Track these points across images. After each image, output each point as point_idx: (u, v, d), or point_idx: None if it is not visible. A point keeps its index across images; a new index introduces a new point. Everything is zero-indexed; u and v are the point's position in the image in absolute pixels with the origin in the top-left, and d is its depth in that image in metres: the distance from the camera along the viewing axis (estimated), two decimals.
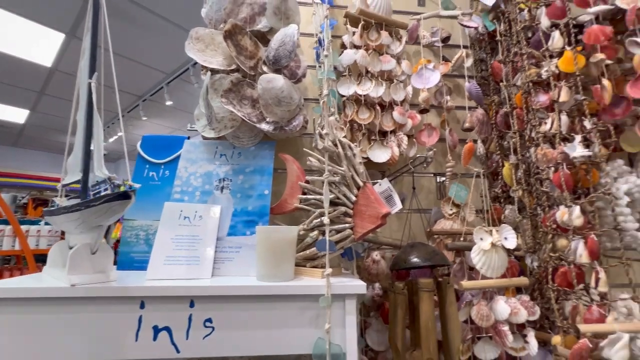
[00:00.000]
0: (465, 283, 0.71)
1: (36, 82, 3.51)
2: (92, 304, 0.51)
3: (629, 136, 0.76)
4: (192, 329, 0.52)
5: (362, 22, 0.89)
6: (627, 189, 0.73)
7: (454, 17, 0.97)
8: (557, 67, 0.75)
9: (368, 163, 0.86)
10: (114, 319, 0.51)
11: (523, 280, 0.74)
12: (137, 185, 0.48)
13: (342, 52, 0.89)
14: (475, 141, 0.92)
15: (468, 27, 0.94)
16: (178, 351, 0.51)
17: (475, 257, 0.72)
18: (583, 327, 0.61)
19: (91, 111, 0.59)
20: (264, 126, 0.75)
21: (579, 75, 0.73)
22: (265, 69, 0.78)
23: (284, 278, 0.59)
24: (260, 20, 0.82)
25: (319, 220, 0.65)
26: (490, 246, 0.71)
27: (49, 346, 0.49)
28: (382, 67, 0.88)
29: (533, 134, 0.77)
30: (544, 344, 0.74)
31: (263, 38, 0.82)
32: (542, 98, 0.78)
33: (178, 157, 0.77)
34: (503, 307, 0.70)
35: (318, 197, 0.68)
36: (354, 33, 0.90)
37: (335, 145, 0.67)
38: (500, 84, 0.89)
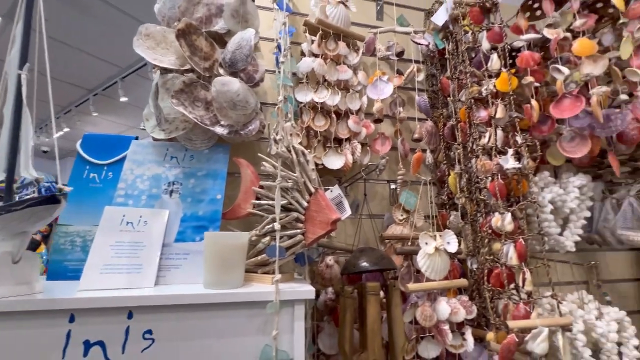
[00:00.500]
0: (411, 285, 0.75)
1: None
2: (12, 319, 0.46)
3: (553, 151, 0.85)
4: (130, 342, 0.49)
5: (321, 32, 0.91)
6: (550, 198, 0.82)
7: (408, 33, 1.02)
8: (494, 86, 0.83)
9: (324, 169, 0.88)
10: (38, 335, 0.46)
11: (463, 282, 0.80)
12: (67, 189, 0.45)
13: (302, 59, 0.91)
14: (424, 151, 0.98)
15: (420, 44, 1.00)
16: None
17: (421, 260, 0.76)
18: (511, 324, 0.67)
19: (20, 105, 0.54)
20: (218, 129, 0.73)
21: (512, 95, 0.82)
22: (221, 71, 0.77)
23: (232, 285, 0.58)
24: (218, 22, 0.80)
25: (270, 226, 0.65)
26: (434, 250, 0.76)
27: None
28: (339, 77, 0.91)
29: (474, 146, 0.84)
30: (480, 340, 0.80)
31: (220, 40, 0.80)
32: (482, 114, 0.85)
33: (123, 158, 0.73)
34: (444, 307, 0.75)
35: (271, 202, 0.68)
36: (312, 41, 0.91)
37: (289, 151, 0.67)
38: (448, 98, 0.96)
